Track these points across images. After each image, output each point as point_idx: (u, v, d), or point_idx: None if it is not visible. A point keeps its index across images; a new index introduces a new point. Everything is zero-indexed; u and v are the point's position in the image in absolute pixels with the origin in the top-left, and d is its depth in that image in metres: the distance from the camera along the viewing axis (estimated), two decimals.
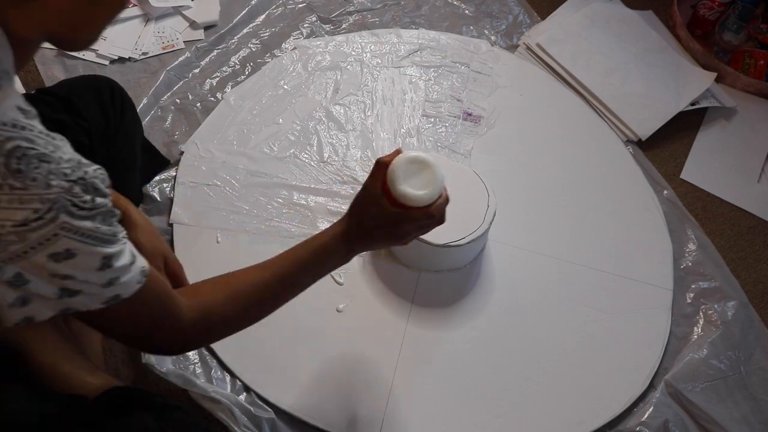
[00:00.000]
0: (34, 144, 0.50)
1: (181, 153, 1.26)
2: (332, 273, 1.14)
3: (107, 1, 0.57)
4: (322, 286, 1.13)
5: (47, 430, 0.71)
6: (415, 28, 1.57)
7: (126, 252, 0.59)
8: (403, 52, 1.51)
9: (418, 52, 1.51)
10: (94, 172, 0.55)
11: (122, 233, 0.59)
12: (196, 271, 1.11)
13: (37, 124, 0.52)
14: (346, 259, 0.82)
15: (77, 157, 0.54)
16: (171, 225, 1.17)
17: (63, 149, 0.53)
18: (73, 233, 0.53)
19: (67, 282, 0.55)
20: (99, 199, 0.55)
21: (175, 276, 0.94)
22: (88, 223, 0.54)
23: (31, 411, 0.72)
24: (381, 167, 0.77)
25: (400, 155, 0.77)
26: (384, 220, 0.78)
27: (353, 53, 1.49)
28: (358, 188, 1.24)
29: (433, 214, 0.78)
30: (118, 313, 0.61)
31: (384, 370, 1.06)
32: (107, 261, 0.57)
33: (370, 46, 1.51)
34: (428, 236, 1.09)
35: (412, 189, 0.75)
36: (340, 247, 0.80)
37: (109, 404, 0.81)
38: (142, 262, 0.62)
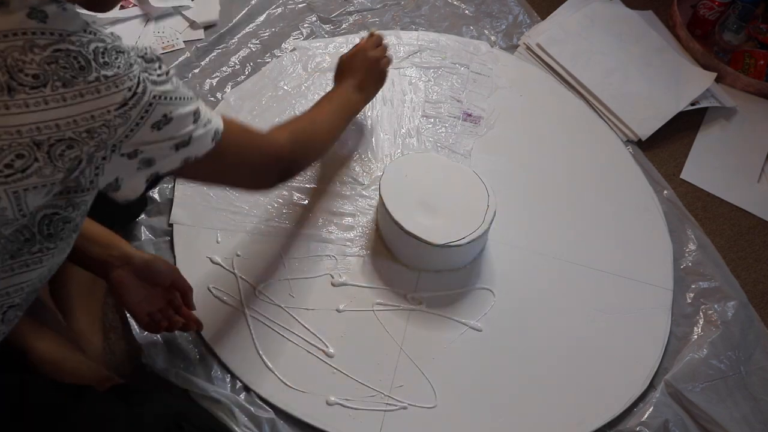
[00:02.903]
0: (106, 42, 0.59)
1: None
2: (332, 272, 1.15)
3: None
4: (322, 286, 1.13)
5: (68, 417, 0.74)
6: (415, 29, 1.57)
7: (203, 105, 0.71)
8: (402, 53, 1.51)
9: (418, 54, 1.51)
10: (146, 48, 0.65)
11: (194, 94, 0.70)
12: (196, 272, 1.12)
13: (101, 29, 0.61)
14: (357, 101, 1.16)
15: (132, 44, 0.64)
16: (171, 225, 1.17)
17: (124, 41, 0.63)
18: (162, 99, 0.63)
19: (176, 140, 0.67)
20: (162, 66, 0.65)
21: (184, 294, 0.96)
22: (168, 86, 0.64)
23: (51, 399, 0.74)
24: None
25: None
26: (351, 58, 1.18)
27: None
28: (359, 188, 1.26)
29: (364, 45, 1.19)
30: (226, 148, 0.74)
31: (384, 370, 1.06)
32: (197, 114, 0.69)
33: None
34: (428, 236, 1.09)
35: None
36: (348, 91, 1.14)
37: (119, 397, 0.82)
38: (216, 116, 0.74)
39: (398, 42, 1.53)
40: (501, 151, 1.37)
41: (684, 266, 1.25)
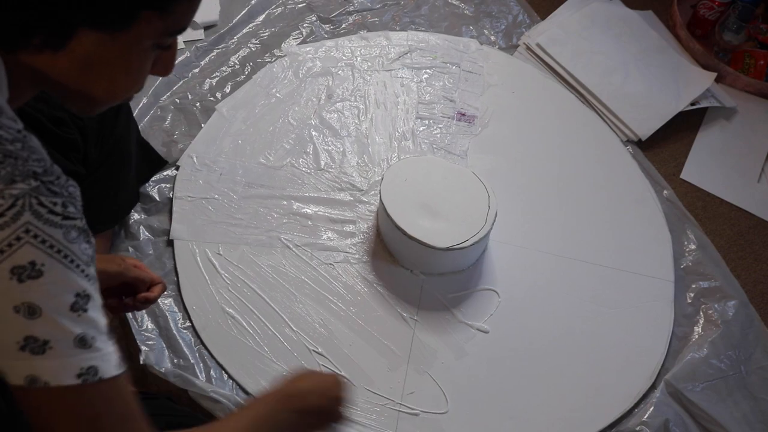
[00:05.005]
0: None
1: (177, 167, 1.24)
2: (334, 280, 1.14)
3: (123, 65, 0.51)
4: (326, 294, 1.13)
5: None
6: (415, 29, 1.57)
7: (101, 313, 0.49)
8: (393, 55, 1.49)
9: (408, 54, 1.50)
10: (67, 182, 0.48)
11: (96, 280, 0.50)
12: (198, 287, 1.11)
13: (11, 123, 0.47)
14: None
15: (52, 163, 0.48)
16: (171, 241, 1.16)
17: (37, 150, 0.47)
18: (39, 241, 0.45)
19: (34, 324, 0.45)
20: (71, 209, 0.47)
21: (140, 286, 0.83)
22: (57, 232, 0.46)
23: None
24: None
25: None
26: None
27: (343, 58, 1.47)
28: (357, 194, 1.25)
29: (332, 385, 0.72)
30: (85, 402, 0.48)
31: (394, 377, 1.06)
32: (81, 301, 0.47)
33: (359, 50, 1.49)
34: (432, 240, 1.09)
35: None
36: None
37: None
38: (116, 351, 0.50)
39: (388, 43, 1.51)
40: (497, 151, 1.36)
41: (684, 266, 1.25)
